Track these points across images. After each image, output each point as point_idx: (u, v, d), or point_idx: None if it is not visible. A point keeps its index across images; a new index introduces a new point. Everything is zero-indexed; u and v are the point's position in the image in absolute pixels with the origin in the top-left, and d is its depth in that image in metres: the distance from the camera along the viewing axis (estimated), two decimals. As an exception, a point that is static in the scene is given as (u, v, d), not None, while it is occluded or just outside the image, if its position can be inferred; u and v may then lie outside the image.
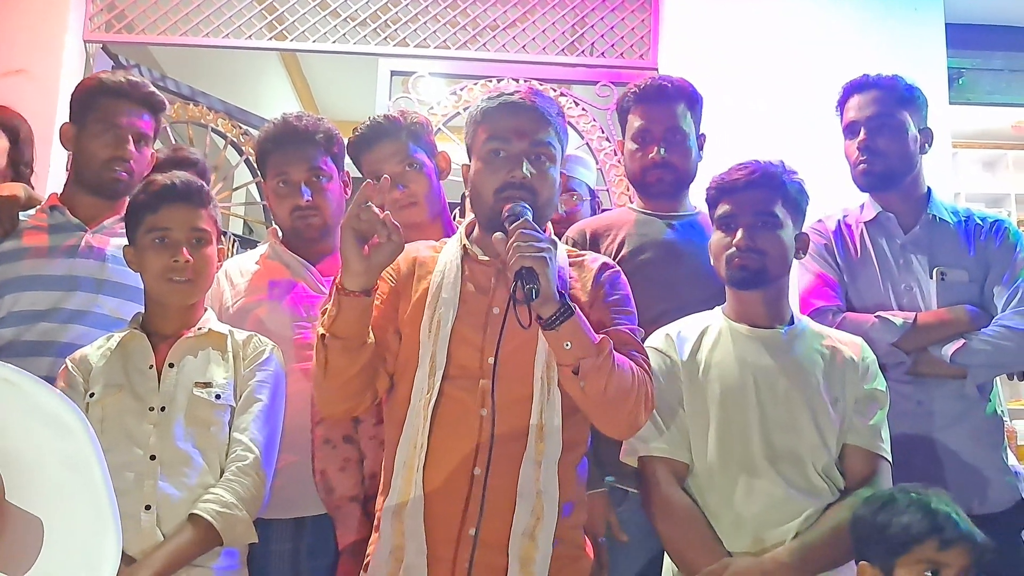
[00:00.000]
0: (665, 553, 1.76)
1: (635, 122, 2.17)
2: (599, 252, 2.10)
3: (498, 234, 1.46)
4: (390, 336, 1.58)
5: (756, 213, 1.77)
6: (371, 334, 1.52)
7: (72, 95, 2.14)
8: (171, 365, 1.74)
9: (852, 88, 2.19)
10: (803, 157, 2.20)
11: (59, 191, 2.18)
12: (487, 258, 1.60)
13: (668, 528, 1.72)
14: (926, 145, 2.17)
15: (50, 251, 2.04)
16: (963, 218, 2.15)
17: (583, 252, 1.71)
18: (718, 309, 1.86)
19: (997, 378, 2.14)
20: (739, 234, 1.77)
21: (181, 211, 1.78)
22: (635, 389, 1.49)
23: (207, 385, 1.74)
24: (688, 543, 1.69)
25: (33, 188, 2.36)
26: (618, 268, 1.69)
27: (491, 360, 1.52)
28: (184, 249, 1.75)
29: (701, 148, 2.20)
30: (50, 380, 1.86)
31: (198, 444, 1.69)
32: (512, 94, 1.59)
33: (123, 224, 2.06)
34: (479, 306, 1.56)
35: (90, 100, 2.08)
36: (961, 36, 3.44)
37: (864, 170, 2.13)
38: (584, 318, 1.45)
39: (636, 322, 1.62)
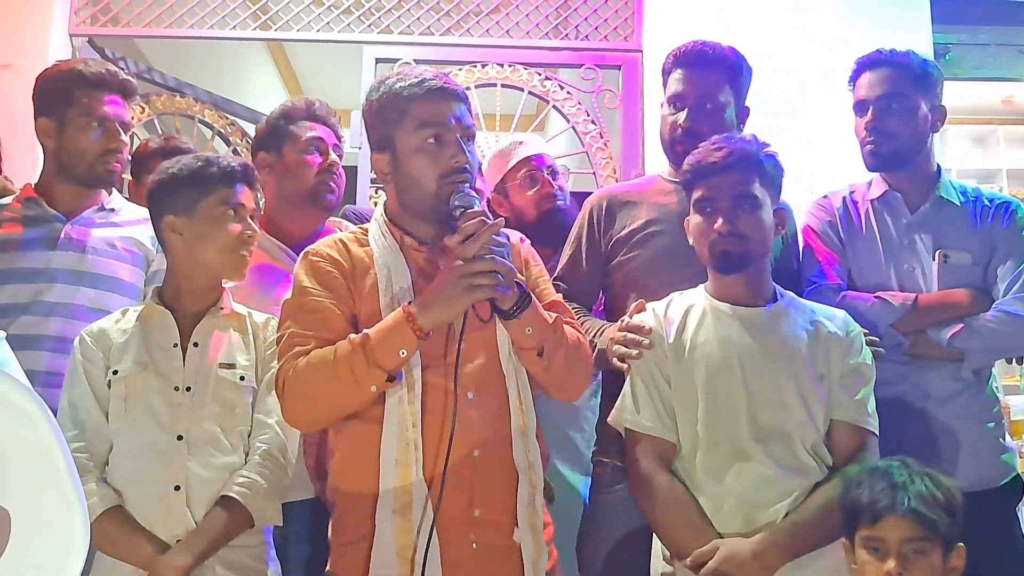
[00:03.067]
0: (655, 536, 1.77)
1: (672, 85, 2.11)
2: (615, 219, 2.10)
3: (453, 239, 1.44)
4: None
5: (735, 196, 1.75)
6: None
7: (41, 86, 2.10)
8: (196, 344, 1.75)
9: (864, 64, 2.13)
10: (789, 136, 2.20)
11: (32, 182, 2.16)
12: (426, 245, 1.58)
13: (653, 509, 1.71)
14: (938, 123, 2.12)
15: (25, 243, 2.03)
16: (971, 198, 2.11)
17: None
18: (701, 287, 1.85)
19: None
20: (719, 220, 1.74)
21: (249, 192, 1.83)
22: (583, 354, 1.59)
23: (231, 366, 1.75)
24: (675, 525, 1.68)
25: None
26: (526, 238, 1.73)
27: (459, 346, 1.51)
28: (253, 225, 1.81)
29: (742, 122, 2.12)
30: (38, 374, 1.88)
31: (223, 424, 1.71)
32: (433, 79, 1.55)
33: (103, 214, 2.10)
34: None
35: (67, 93, 2.05)
36: (947, 11, 3.42)
37: (872, 151, 2.09)
38: (537, 300, 1.50)
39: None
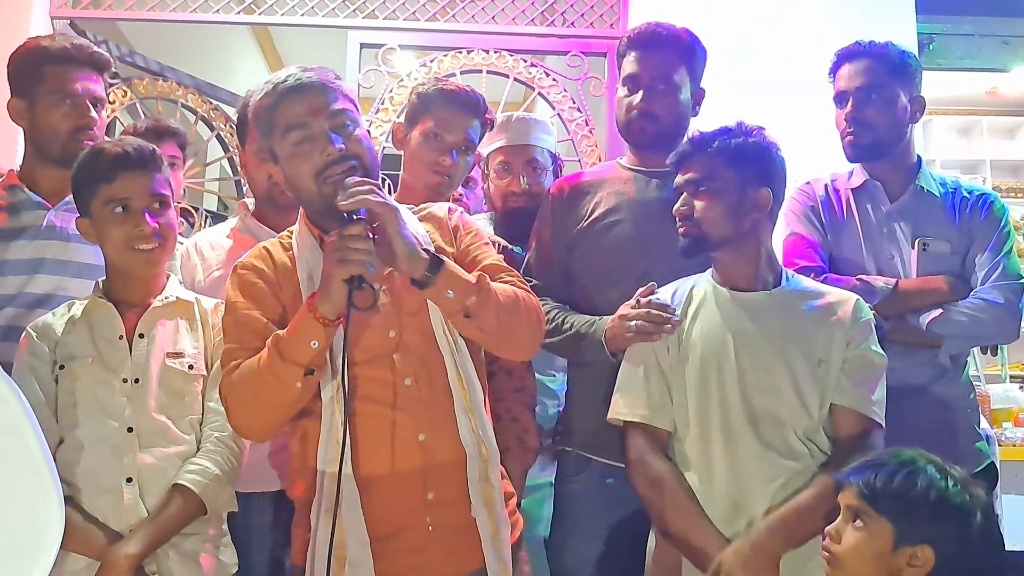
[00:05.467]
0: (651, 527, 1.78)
1: (626, 67, 2.10)
2: (576, 209, 2.08)
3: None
4: None
5: (690, 182, 1.81)
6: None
7: (11, 66, 2.04)
8: (141, 335, 1.73)
9: (843, 56, 2.16)
10: (771, 125, 2.20)
11: (16, 168, 2.11)
12: None
13: (645, 490, 1.74)
14: (917, 114, 2.15)
15: (12, 233, 1.98)
16: (950, 190, 2.14)
17: (424, 204, 1.70)
18: (708, 272, 1.87)
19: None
20: (679, 202, 1.82)
21: (138, 178, 1.73)
22: (523, 309, 1.54)
23: (178, 355, 1.73)
24: (663, 504, 1.70)
25: None
26: (459, 208, 1.71)
27: (392, 334, 1.52)
28: (147, 217, 1.72)
29: (698, 103, 2.12)
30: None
31: (172, 414, 1.70)
32: (285, 79, 1.51)
33: None
34: None
35: (35, 70, 2.00)
36: (931, 1, 3.43)
37: (851, 142, 2.12)
38: (453, 263, 1.49)
39: (493, 248, 1.68)
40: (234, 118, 3.83)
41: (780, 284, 1.82)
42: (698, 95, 2.13)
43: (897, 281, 2.02)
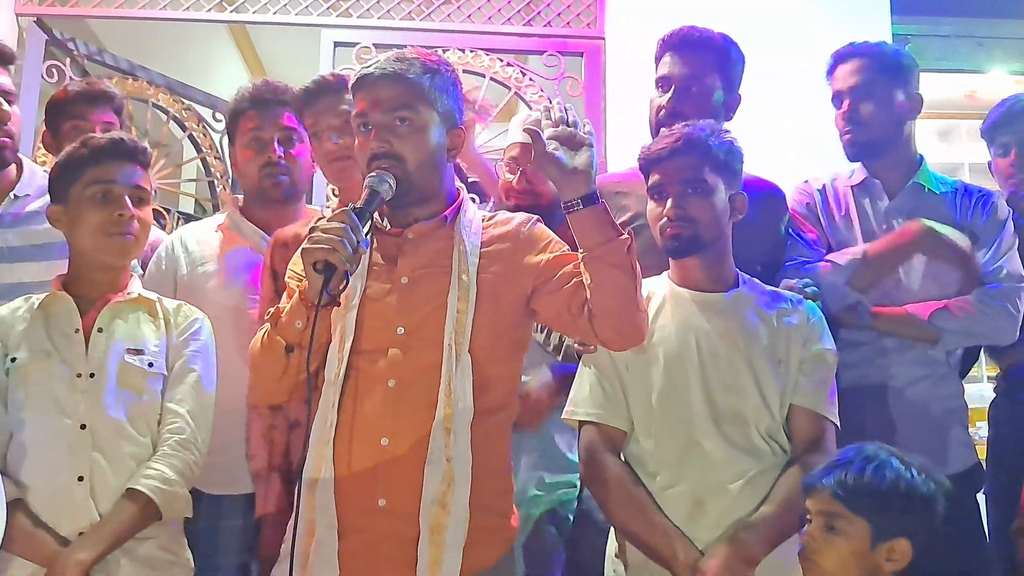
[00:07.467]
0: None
1: (660, 70, 2.11)
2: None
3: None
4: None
5: (683, 181, 1.75)
6: None
7: None
8: (100, 330, 1.69)
9: (838, 57, 2.18)
10: (748, 124, 2.18)
11: None
12: (396, 228, 1.61)
13: (601, 493, 1.73)
14: (915, 111, 2.17)
15: None
16: (953, 189, 2.16)
17: (500, 212, 1.71)
18: (665, 274, 1.85)
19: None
20: (668, 203, 1.75)
21: (125, 167, 1.73)
22: (638, 288, 1.56)
23: (139, 352, 1.70)
24: (620, 507, 1.69)
25: None
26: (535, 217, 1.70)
27: (400, 330, 1.52)
28: (128, 203, 1.71)
29: (732, 109, 2.11)
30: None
31: (129, 413, 1.66)
32: (370, 64, 1.56)
33: (16, 206, 1.99)
34: (387, 277, 1.57)
35: None
36: (907, 2, 3.43)
37: (849, 140, 2.13)
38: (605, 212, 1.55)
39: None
40: (208, 118, 3.83)
41: (737, 286, 1.82)
42: (732, 101, 2.11)
43: (865, 250, 2.02)
